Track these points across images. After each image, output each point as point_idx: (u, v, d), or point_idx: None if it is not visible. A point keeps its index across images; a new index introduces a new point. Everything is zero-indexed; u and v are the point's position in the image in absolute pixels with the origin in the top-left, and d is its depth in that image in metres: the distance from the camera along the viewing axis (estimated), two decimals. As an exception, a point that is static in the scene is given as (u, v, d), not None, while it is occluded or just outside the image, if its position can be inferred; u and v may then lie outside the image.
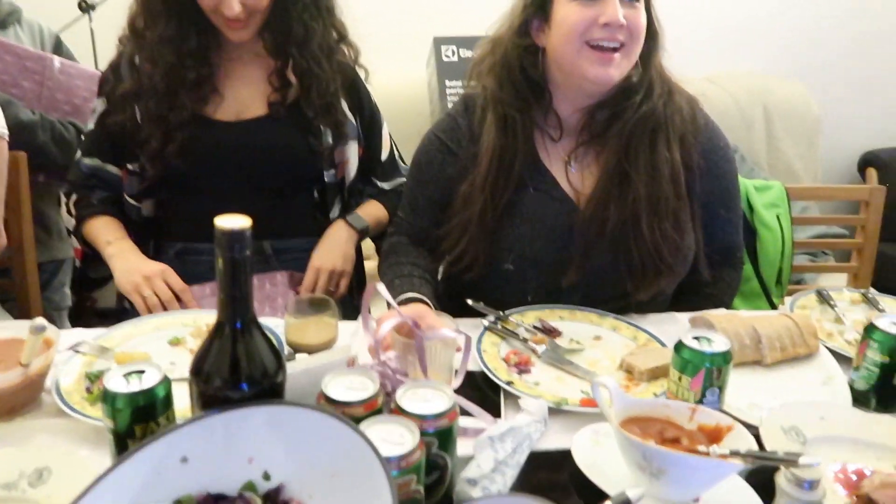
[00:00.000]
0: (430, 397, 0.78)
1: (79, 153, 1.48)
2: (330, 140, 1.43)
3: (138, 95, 1.37)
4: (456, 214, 1.30)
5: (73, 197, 1.48)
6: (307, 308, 1.11)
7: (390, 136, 1.59)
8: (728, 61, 2.95)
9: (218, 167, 1.40)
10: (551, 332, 1.18)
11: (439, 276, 1.35)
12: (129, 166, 1.43)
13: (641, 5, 1.19)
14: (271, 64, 1.40)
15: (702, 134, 1.30)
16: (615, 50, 1.18)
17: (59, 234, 1.99)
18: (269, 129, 1.40)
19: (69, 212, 1.49)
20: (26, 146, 1.60)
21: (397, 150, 1.62)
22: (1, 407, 0.92)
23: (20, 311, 1.62)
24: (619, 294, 1.26)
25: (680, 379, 0.91)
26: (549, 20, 1.22)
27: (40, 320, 0.94)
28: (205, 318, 1.18)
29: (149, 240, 1.47)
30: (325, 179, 1.46)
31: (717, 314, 1.18)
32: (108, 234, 1.40)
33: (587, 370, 1.07)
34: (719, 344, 0.91)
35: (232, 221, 0.68)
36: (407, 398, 0.77)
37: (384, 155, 1.56)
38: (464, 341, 0.93)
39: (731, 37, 2.96)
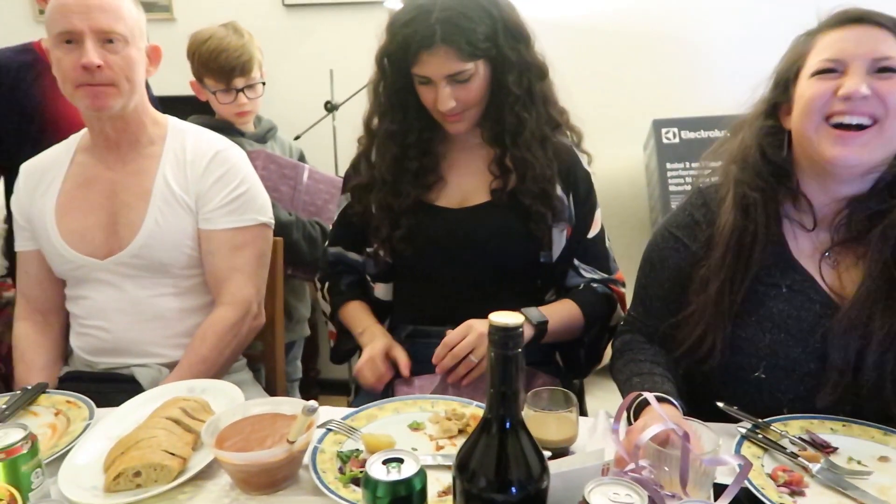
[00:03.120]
0: (708, 520, 0.70)
1: (326, 244, 1.64)
2: (549, 222, 1.42)
3: (371, 187, 1.47)
4: (692, 300, 1.21)
5: (326, 284, 1.61)
6: (547, 401, 1.07)
7: (602, 226, 1.52)
8: None
9: (443, 251, 1.44)
10: (825, 448, 1.02)
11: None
12: (368, 249, 1.53)
13: None
14: (491, 153, 1.44)
15: None
16: (861, 128, 1.04)
17: (298, 319, 2.25)
18: (491, 215, 1.43)
19: (324, 297, 1.62)
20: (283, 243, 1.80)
21: (610, 246, 1.54)
22: (266, 480, 0.98)
23: (267, 380, 1.77)
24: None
25: None
26: (792, 99, 1.13)
27: (312, 403, 1.00)
28: (442, 405, 1.19)
29: (384, 320, 1.55)
30: (541, 260, 1.45)
31: None
32: (360, 323, 1.50)
33: (877, 499, 0.91)
34: None
35: (506, 318, 0.67)
36: (682, 519, 0.70)
37: (592, 233, 1.48)
38: (743, 465, 0.83)
39: None
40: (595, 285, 1.47)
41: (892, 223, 1.08)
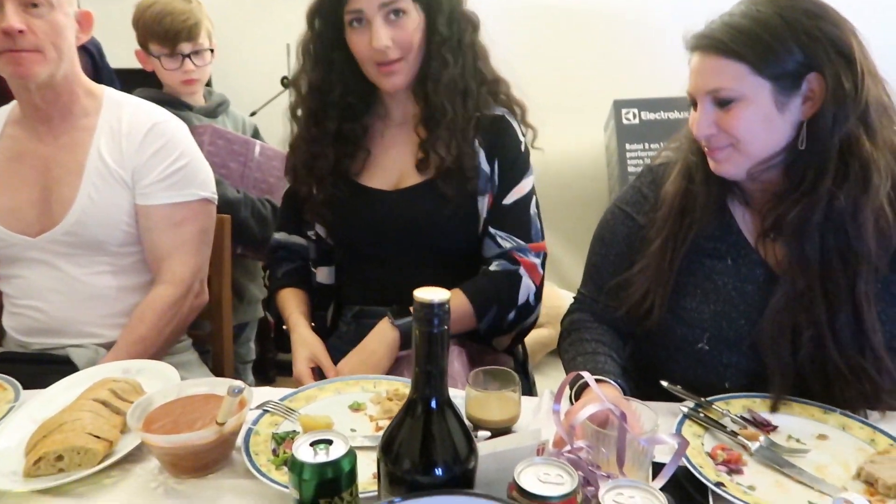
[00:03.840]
0: (638, 500, 0.68)
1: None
2: (469, 188, 1.36)
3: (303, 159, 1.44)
4: (637, 262, 1.21)
5: (268, 272, 1.59)
6: (490, 381, 1.05)
7: (533, 194, 1.42)
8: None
9: (381, 235, 1.41)
10: (765, 427, 1.02)
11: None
12: (310, 233, 1.50)
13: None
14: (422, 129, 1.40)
15: None
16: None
17: (249, 300, 2.17)
18: (426, 196, 1.38)
19: (265, 285, 1.60)
20: (230, 221, 1.75)
21: (538, 215, 1.44)
22: (195, 463, 0.95)
23: (214, 361, 1.72)
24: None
25: (950, 503, 0.74)
26: None
27: (238, 383, 0.96)
28: (384, 384, 1.17)
29: (328, 304, 1.52)
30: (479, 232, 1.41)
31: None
32: (286, 308, 1.47)
33: (814, 476, 0.91)
34: None
35: (430, 294, 0.65)
36: (612, 499, 0.68)
37: (510, 199, 1.38)
38: (680, 444, 0.82)
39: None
40: (492, 266, 1.37)
41: (798, 222, 1.06)
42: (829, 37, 1.01)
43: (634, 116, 2.41)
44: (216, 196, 1.50)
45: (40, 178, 1.38)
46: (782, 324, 1.08)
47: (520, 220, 1.39)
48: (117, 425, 1.03)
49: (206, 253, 1.50)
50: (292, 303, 1.48)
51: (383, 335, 1.33)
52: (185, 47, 1.95)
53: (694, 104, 1.10)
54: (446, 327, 0.65)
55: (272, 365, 2.92)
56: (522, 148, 1.41)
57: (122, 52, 2.22)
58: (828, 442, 1.00)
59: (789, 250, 1.08)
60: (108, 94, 1.44)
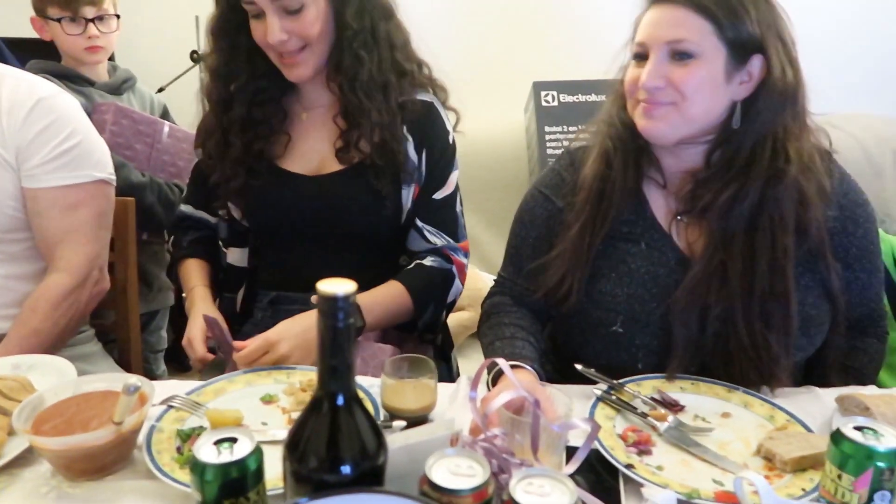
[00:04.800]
0: (547, 489, 0.68)
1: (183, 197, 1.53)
2: (394, 180, 1.33)
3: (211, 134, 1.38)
4: (556, 245, 1.22)
5: (171, 239, 1.51)
6: (405, 369, 1.03)
7: (458, 191, 1.43)
8: (847, 103, 2.75)
9: (297, 220, 1.37)
10: (673, 407, 1.05)
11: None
12: (221, 212, 1.44)
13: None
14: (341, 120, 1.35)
15: (836, 191, 1.15)
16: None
17: (160, 287, 2.09)
18: (347, 183, 1.34)
19: (168, 252, 1.53)
20: (135, 206, 1.65)
21: (462, 213, 1.45)
22: (92, 465, 0.89)
23: (120, 352, 1.64)
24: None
25: (840, 477, 0.77)
26: None
27: (134, 379, 0.91)
28: (298, 375, 1.13)
29: (239, 287, 1.46)
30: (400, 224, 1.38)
31: (869, 394, 1.02)
32: (189, 280, 1.42)
33: (717, 454, 0.94)
34: (891, 439, 0.76)
35: (334, 286, 0.62)
36: (522, 490, 0.68)
37: (440, 195, 1.37)
38: (591, 429, 0.82)
39: (850, 77, 2.76)
40: (428, 261, 1.37)
41: (728, 203, 1.09)
42: (778, 26, 1.06)
43: (554, 99, 2.43)
44: (114, 177, 1.41)
45: None
46: (693, 301, 1.11)
47: (449, 216, 1.40)
48: (4, 427, 0.95)
49: (105, 238, 1.41)
50: (196, 275, 1.42)
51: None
52: (89, 11, 1.83)
53: (640, 58, 1.10)
54: (352, 321, 0.62)
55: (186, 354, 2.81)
56: (451, 140, 1.39)
57: (14, 19, 2.06)
58: (731, 419, 1.04)
59: (715, 226, 1.10)
60: None
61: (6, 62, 1.41)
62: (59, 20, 1.83)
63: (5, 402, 0.99)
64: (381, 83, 1.30)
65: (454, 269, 1.39)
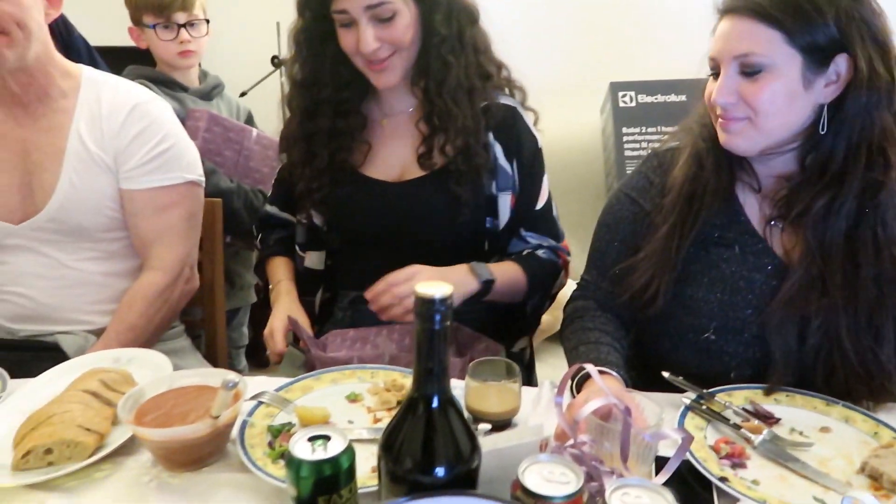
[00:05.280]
0: (645, 500, 0.67)
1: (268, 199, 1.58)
2: (481, 182, 1.34)
3: (294, 142, 1.41)
4: (643, 248, 1.19)
5: (259, 237, 1.57)
6: (488, 372, 1.03)
7: (549, 193, 1.45)
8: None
9: (382, 226, 1.38)
10: (768, 419, 1.01)
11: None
12: (299, 216, 1.47)
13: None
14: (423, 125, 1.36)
15: None
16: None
17: (242, 286, 2.17)
18: (431, 188, 1.35)
19: (257, 248, 1.59)
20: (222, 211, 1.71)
21: (555, 209, 1.47)
22: (189, 457, 0.92)
23: (207, 347, 1.70)
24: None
25: (959, 500, 0.73)
26: None
27: (233, 376, 0.94)
28: (381, 375, 1.15)
29: (316, 290, 1.49)
30: (487, 226, 1.38)
31: None
32: (276, 275, 1.47)
33: (818, 471, 0.90)
34: None
35: (432, 288, 0.62)
36: (618, 499, 0.66)
37: (539, 204, 1.40)
38: (684, 439, 0.80)
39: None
40: (540, 252, 1.40)
41: (824, 211, 1.05)
42: (865, 20, 0.99)
43: (631, 99, 2.38)
44: (203, 178, 1.46)
45: (20, 162, 1.33)
46: (791, 312, 1.06)
47: (550, 221, 1.43)
48: (108, 417, 1.00)
49: (195, 238, 1.47)
50: (282, 270, 1.48)
51: (464, 280, 1.28)
52: (180, 17, 1.92)
53: (715, 72, 1.07)
54: (448, 323, 0.62)
55: (266, 348, 2.90)
56: (538, 144, 1.40)
57: (113, 30, 2.16)
58: (830, 435, 0.99)
59: (811, 236, 1.05)
60: (86, 73, 1.39)
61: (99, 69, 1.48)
62: (153, 27, 1.92)
63: (109, 394, 1.04)
64: (467, 88, 1.31)
65: (560, 263, 1.42)
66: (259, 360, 2.76)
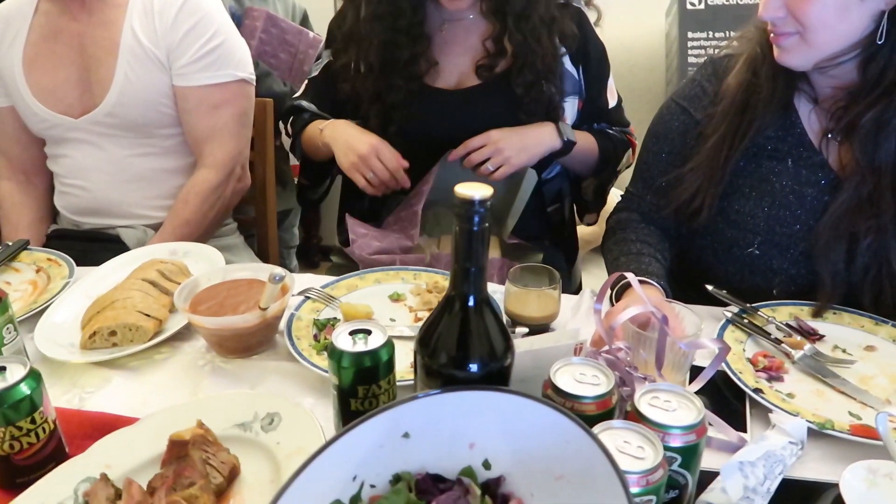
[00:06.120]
0: (674, 405, 0.68)
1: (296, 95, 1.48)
2: (544, 96, 1.33)
3: (358, 38, 1.34)
4: (691, 158, 1.15)
5: (290, 119, 1.46)
6: (529, 277, 1.04)
7: (618, 92, 1.47)
8: None
9: (437, 135, 1.35)
10: (810, 335, 1.00)
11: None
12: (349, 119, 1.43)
13: None
14: (489, 28, 1.33)
15: None
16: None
17: (293, 188, 2.15)
18: (488, 97, 1.33)
19: (287, 134, 1.47)
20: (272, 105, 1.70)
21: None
22: (240, 345, 0.98)
23: (259, 245, 1.76)
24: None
25: None
26: None
27: (279, 270, 0.97)
28: (424, 277, 1.17)
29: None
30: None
31: None
32: (319, 124, 1.36)
33: (857, 388, 0.89)
34: None
35: (472, 189, 0.62)
36: (647, 403, 0.68)
37: (612, 104, 1.44)
38: (720, 349, 0.80)
39: None
40: (612, 130, 1.45)
41: (875, 125, 0.99)
42: None
43: (700, 1, 2.23)
44: (254, 77, 1.46)
45: (77, 57, 1.36)
46: (840, 230, 1.03)
47: (623, 120, 1.49)
48: (166, 305, 1.06)
49: (246, 136, 1.49)
50: (324, 119, 1.37)
51: (549, 135, 1.31)
52: None
53: None
54: (487, 224, 0.63)
55: (316, 250, 2.98)
56: (603, 49, 1.40)
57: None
58: (876, 353, 0.97)
59: (860, 152, 1.01)
60: None
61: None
62: None
63: (166, 283, 1.10)
64: (549, 21, 1.30)
65: (629, 141, 1.47)
66: (310, 260, 2.84)
